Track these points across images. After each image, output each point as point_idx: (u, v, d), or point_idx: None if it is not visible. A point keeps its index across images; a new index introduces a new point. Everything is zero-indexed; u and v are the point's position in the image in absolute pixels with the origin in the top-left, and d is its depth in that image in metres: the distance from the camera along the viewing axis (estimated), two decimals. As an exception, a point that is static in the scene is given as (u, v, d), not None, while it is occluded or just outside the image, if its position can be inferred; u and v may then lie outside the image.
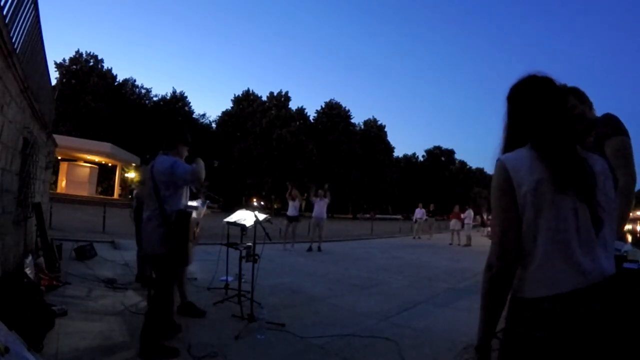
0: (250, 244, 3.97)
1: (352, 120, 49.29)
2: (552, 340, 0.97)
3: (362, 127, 50.69)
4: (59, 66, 37.86)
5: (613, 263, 1.05)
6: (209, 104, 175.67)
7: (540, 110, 1.12)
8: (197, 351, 2.70)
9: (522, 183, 1.03)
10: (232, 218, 4.16)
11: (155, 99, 43.66)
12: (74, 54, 39.16)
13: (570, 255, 1.00)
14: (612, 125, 1.81)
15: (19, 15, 3.40)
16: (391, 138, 57.94)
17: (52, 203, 9.54)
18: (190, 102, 44.93)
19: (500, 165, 1.09)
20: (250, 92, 47.65)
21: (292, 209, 9.98)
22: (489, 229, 22.07)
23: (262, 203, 36.03)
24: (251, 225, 3.91)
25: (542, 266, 1.02)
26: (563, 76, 1.22)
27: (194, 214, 3.46)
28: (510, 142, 1.16)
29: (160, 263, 2.79)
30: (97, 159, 29.25)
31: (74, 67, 38.72)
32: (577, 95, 1.90)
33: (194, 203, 3.91)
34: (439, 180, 56.90)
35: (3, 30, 2.77)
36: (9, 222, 3.73)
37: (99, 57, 40.19)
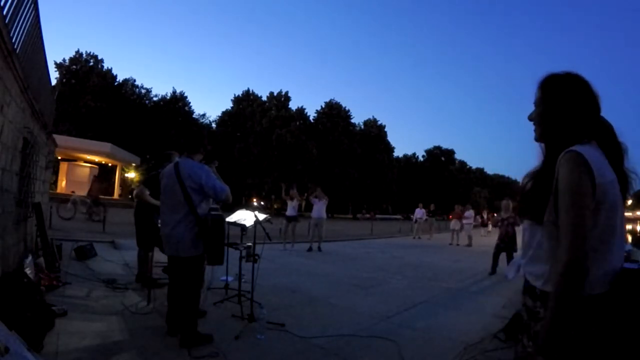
0: (250, 244, 3.97)
1: (352, 120, 49.37)
2: (606, 334, 1.05)
3: (362, 127, 50.71)
4: (59, 66, 37.85)
5: None
6: (209, 104, 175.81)
7: (601, 117, 1.18)
8: (197, 351, 2.70)
9: (604, 181, 1.04)
10: (232, 218, 4.16)
11: (155, 99, 43.64)
12: (74, 54, 39.20)
13: (620, 252, 1.09)
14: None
15: (19, 15, 3.39)
16: (391, 138, 58.11)
17: (52, 203, 9.53)
18: (190, 102, 44.96)
19: (582, 158, 1.03)
20: (250, 92, 47.64)
21: (290, 209, 9.98)
22: (489, 228, 22.13)
23: (262, 203, 36.05)
24: (251, 225, 3.91)
25: (608, 262, 1.07)
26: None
27: None
28: (571, 134, 1.13)
29: (193, 264, 2.93)
30: (97, 159, 29.24)
31: (74, 67, 38.72)
32: None
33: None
34: (439, 180, 56.90)
35: (3, 30, 2.77)
36: (9, 222, 3.72)
37: (99, 57, 40.23)
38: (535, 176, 1.21)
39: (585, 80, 1.17)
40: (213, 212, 3.01)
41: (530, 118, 1.26)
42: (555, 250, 1.06)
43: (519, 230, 4.73)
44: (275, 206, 37.34)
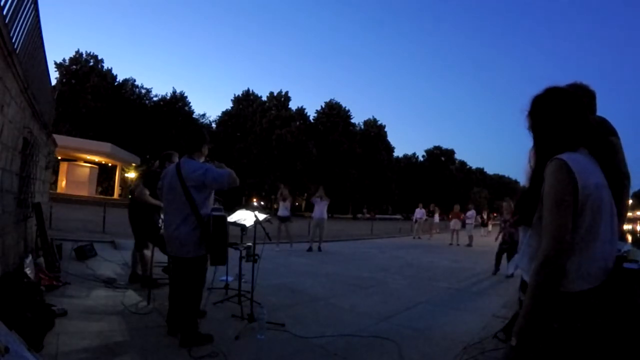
0: (250, 244, 3.97)
1: (352, 120, 49.37)
2: (592, 330, 1.09)
3: (362, 127, 50.69)
4: (59, 66, 37.86)
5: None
6: (209, 104, 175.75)
7: (588, 121, 1.23)
8: (197, 351, 2.70)
9: (587, 185, 1.10)
10: (232, 218, 4.15)
11: (155, 99, 43.68)
12: (74, 54, 39.22)
13: (608, 252, 1.13)
14: (602, 127, 1.84)
15: (19, 15, 3.39)
16: (391, 138, 58.05)
17: (52, 203, 9.53)
18: (190, 102, 45.01)
19: (564, 165, 1.12)
20: (250, 92, 47.70)
21: (282, 209, 10.01)
22: (489, 228, 22.20)
23: (262, 203, 36.07)
24: (251, 225, 3.91)
25: (591, 261, 1.11)
26: (562, 77, 1.25)
27: None
28: (557, 144, 1.20)
29: (196, 265, 2.93)
30: (97, 159, 29.25)
31: (74, 67, 38.73)
32: None
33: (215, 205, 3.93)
34: (439, 180, 56.86)
35: (3, 30, 2.77)
36: (9, 222, 3.73)
37: (99, 57, 40.30)
38: (527, 183, 1.30)
39: (566, 90, 1.24)
40: (215, 213, 3.01)
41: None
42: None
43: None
44: (275, 206, 37.36)
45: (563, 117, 1.20)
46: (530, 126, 1.30)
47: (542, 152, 1.23)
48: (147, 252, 4.52)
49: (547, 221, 1.12)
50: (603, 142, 1.24)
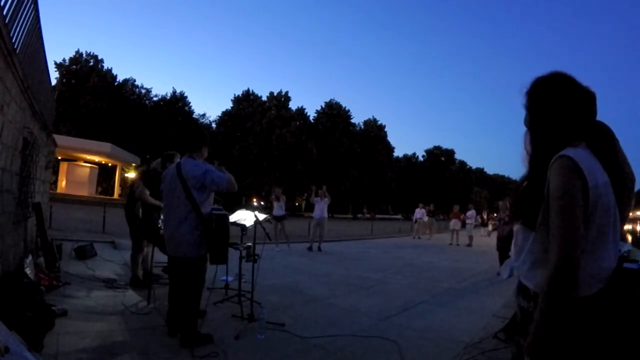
0: (250, 244, 3.97)
1: (352, 120, 49.34)
2: (604, 333, 1.06)
3: (362, 127, 50.67)
4: (59, 66, 37.82)
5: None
6: (209, 104, 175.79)
7: (592, 115, 1.16)
8: (197, 351, 2.71)
9: (596, 184, 1.04)
10: (232, 218, 4.15)
11: (155, 99, 43.63)
12: (74, 54, 39.16)
13: (615, 252, 1.08)
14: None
15: (19, 15, 3.39)
16: (391, 138, 58.08)
17: (52, 203, 9.53)
18: (190, 102, 44.95)
19: (572, 163, 1.04)
20: (250, 92, 47.70)
21: (277, 208, 10.06)
22: (489, 228, 22.18)
23: (261, 203, 36.01)
24: (251, 225, 3.91)
25: (601, 263, 1.06)
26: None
27: None
28: (558, 136, 1.13)
29: (195, 265, 2.94)
30: (97, 159, 29.25)
31: (74, 67, 38.68)
32: None
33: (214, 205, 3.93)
34: (439, 180, 56.83)
35: (3, 30, 2.77)
36: (9, 222, 3.72)
37: (99, 57, 40.21)
38: (526, 181, 1.20)
39: (571, 78, 1.15)
40: (216, 211, 3.01)
41: (525, 123, 1.26)
42: (547, 252, 1.07)
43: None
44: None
45: (566, 107, 1.13)
46: (527, 106, 1.22)
47: (542, 145, 1.16)
48: (142, 255, 4.53)
49: (557, 226, 1.03)
50: (606, 138, 1.17)
